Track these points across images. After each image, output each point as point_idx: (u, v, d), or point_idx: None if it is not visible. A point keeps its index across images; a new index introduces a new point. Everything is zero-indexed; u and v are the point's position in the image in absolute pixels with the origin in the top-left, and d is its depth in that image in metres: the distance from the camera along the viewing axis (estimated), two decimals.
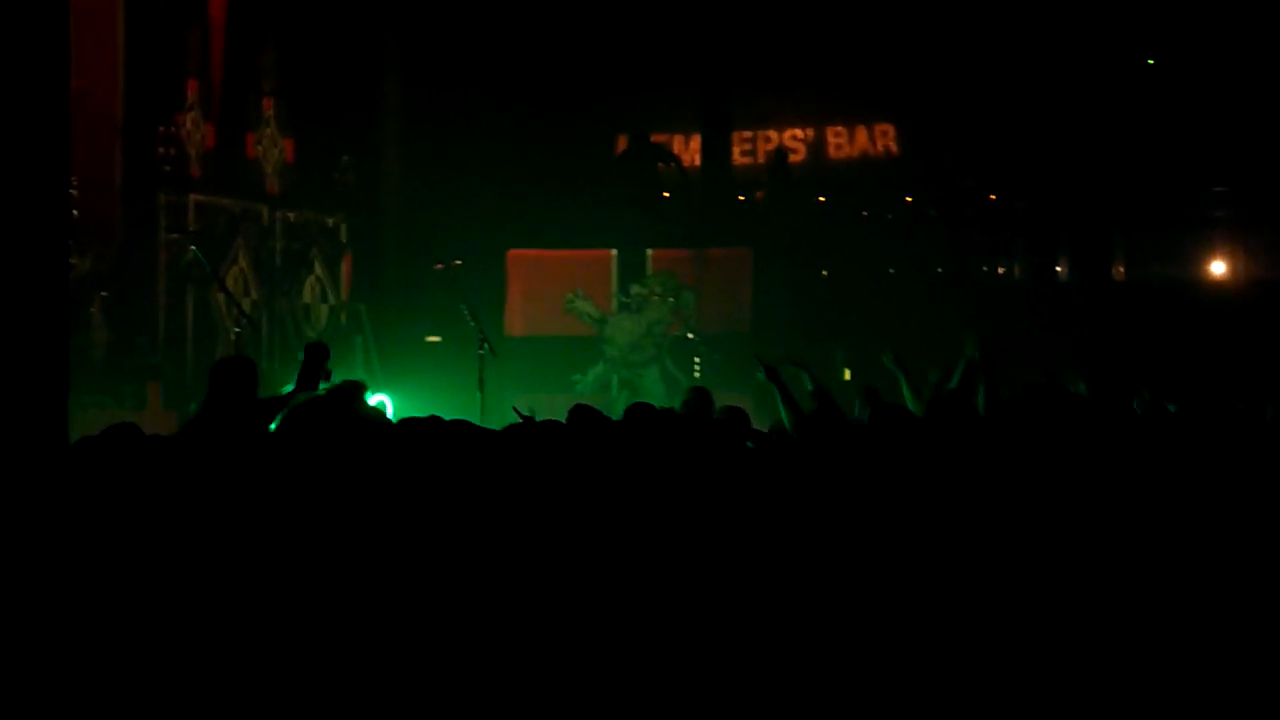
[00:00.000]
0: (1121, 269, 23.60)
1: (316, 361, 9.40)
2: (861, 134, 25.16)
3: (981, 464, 5.77)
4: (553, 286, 22.80)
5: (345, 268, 21.44)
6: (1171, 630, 4.99)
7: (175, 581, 4.51)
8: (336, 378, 13.06)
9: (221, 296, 17.56)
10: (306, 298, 20.62)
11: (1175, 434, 7.47)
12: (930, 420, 6.81)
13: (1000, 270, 24.09)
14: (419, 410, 6.78)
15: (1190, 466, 6.23)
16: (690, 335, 21.66)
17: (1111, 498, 5.45)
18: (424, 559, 3.99)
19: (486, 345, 16.25)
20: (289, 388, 9.60)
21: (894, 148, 24.97)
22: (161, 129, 18.24)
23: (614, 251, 22.93)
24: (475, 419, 10.13)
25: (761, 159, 25.40)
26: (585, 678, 4.21)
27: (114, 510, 4.99)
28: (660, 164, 24.83)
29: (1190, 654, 4.96)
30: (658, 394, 21.26)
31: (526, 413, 9.66)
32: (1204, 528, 5.50)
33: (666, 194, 24.61)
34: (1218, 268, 22.94)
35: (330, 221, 21.31)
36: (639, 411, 7.97)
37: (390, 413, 16.58)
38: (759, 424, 9.20)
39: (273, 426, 6.56)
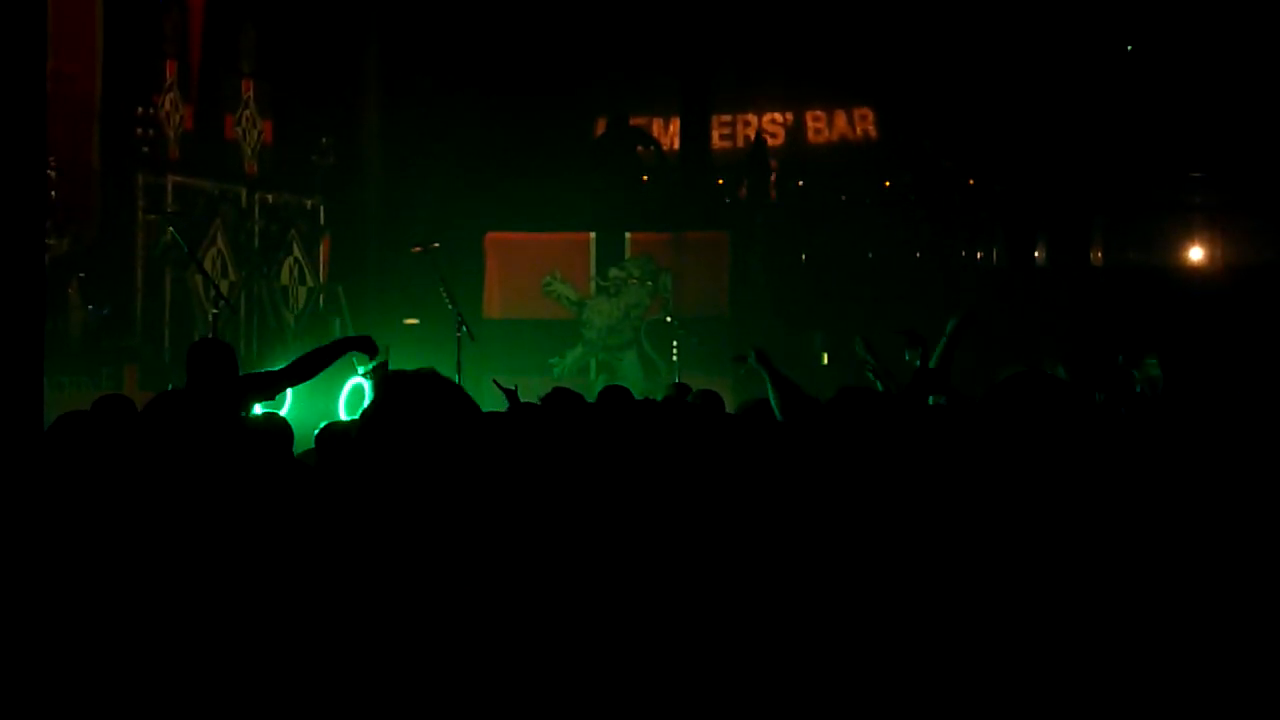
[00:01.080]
0: (1099, 254, 23.64)
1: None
2: (840, 118, 25.15)
3: (964, 451, 5.78)
4: (531, 269, 22.82)
5: (323, 249, 21.43)
6: (1150, 619, 5.00)
7: (161, 565, 4.50)
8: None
9: (199, 278, 17.53)
10: (285, 279, 20.61)
11: (1161, 421, 7.50)
12: (906, 401, 6.83)
13: (978, 255, 24.12)
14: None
15: (1176, 454, 6.25)
16: (669, 319, 21.69)
17: (1098, 485, 5.46)
18: (400, 548, 3.98)
19: (464, 328, 16.26)
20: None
21: (873, 132, 24.96)
22: (140, 110, 18.19)
23: (592, 235, 22.95)
24: None
25: (741, 143, 25.39)
26: (569, 667, 4.21)
27: (100, 488, 4.99)
28: (639, 147, 24.82)
29: (1180, 644, 4.98)
30: (635, 377, 21.31)
31: (510, 386, 9.74)
32: (1188, 518, 5.52)
33: (645, 177, 24.61)
34: (1195, 253, 22.98)
35: (309, 203, 21.29)
36: (613, 395, 7.99)
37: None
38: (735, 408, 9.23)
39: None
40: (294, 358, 9.38)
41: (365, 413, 4.19)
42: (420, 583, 3.91)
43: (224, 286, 17.62)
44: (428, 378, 4.22)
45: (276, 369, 9.50)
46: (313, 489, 4.79)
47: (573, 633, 4.26)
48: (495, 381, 10.15)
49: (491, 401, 11.64)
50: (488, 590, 4.00)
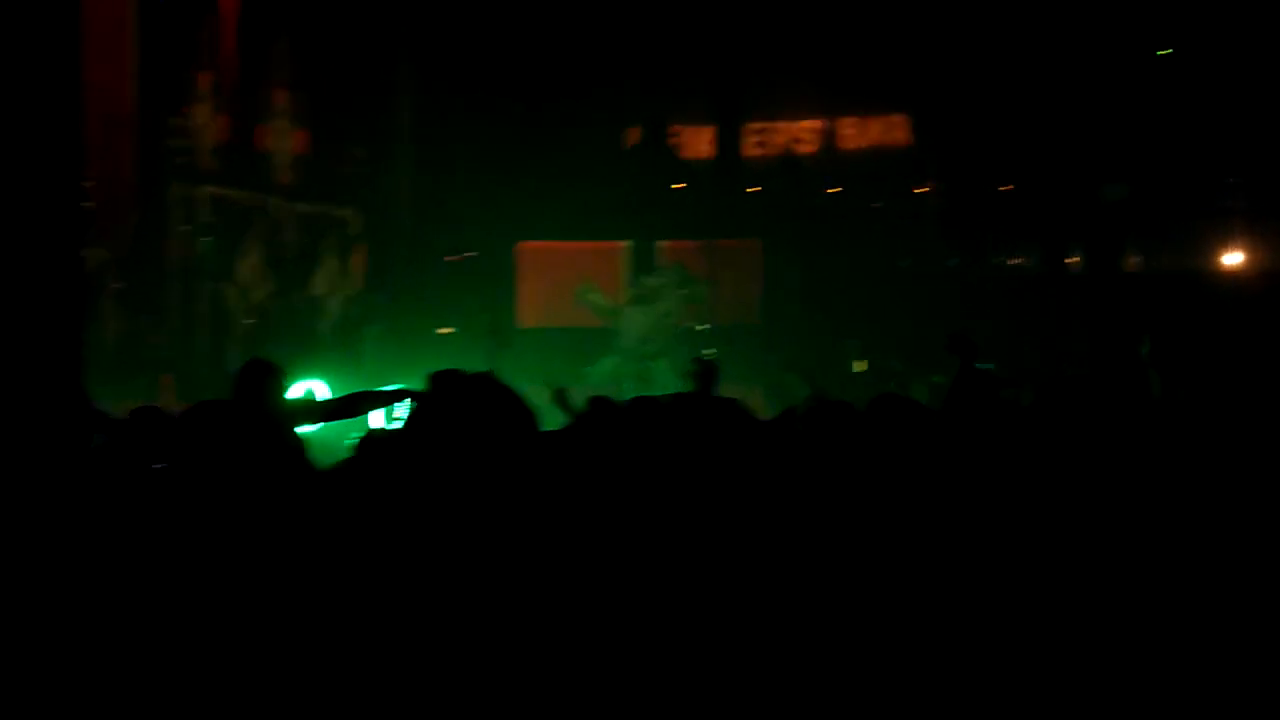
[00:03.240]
0: (1134, 260, 23.58)
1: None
2: (874, 125, 25.12)
3: (1008, 458, 5.77)
4: (564, 278, 22.83)
5: (357, 259, 21.47)
6: (1199, 627, 5.00)
7: (201, 569, 4.51)
8: (346, 367, 13.03)
9: (233, 289, 17.60)
10: (318, 289, 20.65)
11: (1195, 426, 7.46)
12: (946, 414, 6.81)
13: (1013, 262, 24.07)
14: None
15: (1204, 459, 6.22)
16: (700, 327, 21.67)
17: (1143, 490, 5.45)
18: (440, 546, 3.99)
19: (498, 337, 16.29)
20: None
21: (907, 139, 24.93)
22: (174, 121, 18.26)
23: (625, 243, 22.96)
24: None
25: (773, 151, 25.38)
26: (611, 676, 4.22)
27: (141, 495, 5.01)
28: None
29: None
30: (670, 385, 21.29)
31: (558, 388, 9.93)
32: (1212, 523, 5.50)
33: (678, 185, 24.62)
34: (1231, 258, 22.90)
35: (342, 213, 21.34)
36: (640, 405, 7.98)
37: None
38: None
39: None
40: (327, 366, 9.45)
41: (414, 411, 4.19)
42: (458, 584, 3.91)
43: (257, 296, 17.66)
44: (483, 380, 4.22)
45: (327, 399, 9.58)
46: (353, 491, 4.80)
47: (614, 639, 4.26)
48: (548, 384, 10.40)
49: None
50: (528, 593, 4.00)
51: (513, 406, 4.12)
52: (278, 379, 8.20)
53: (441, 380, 4.26)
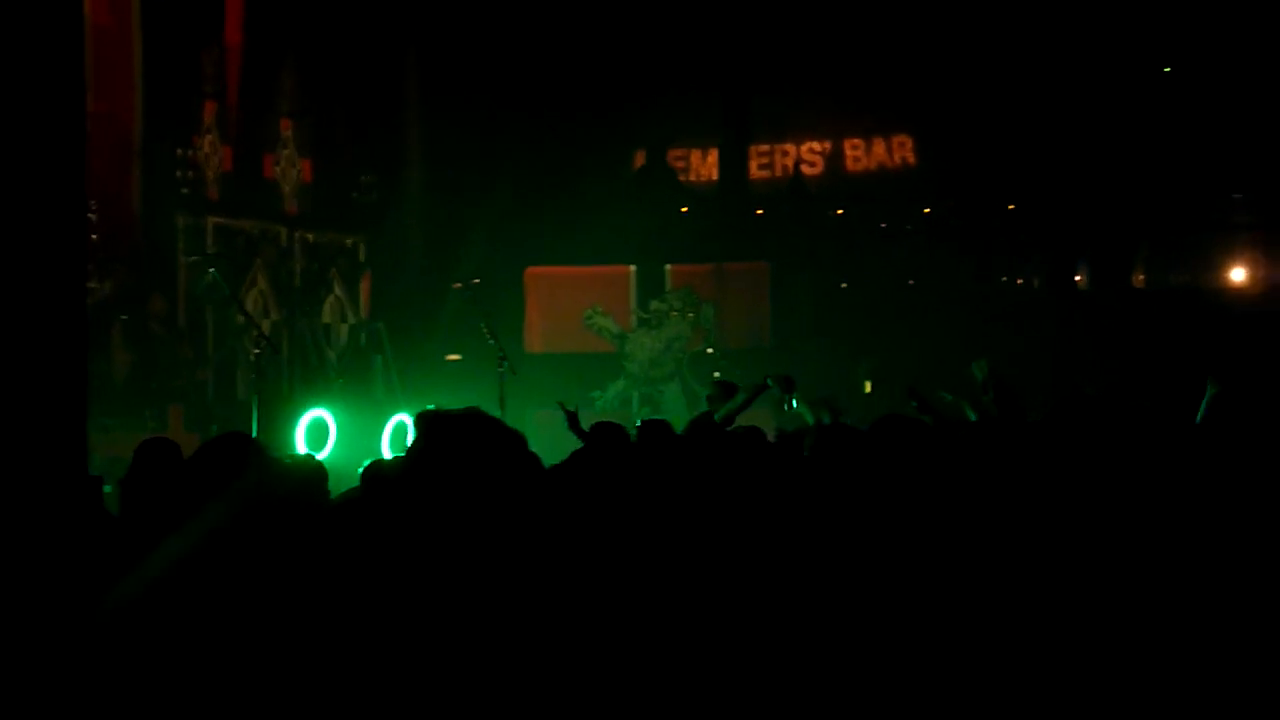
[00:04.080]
0: (1141, 276, 23.55)
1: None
2: (879, 146, 25.12)
3: (1028, 475, 5.75)
4: (572, 303, 22.84)
5: (364, 287, 21.46)
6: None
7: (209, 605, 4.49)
8: (355, 396, 13.03)
9: (241, 318, 17.57)
10: (326, 318, 20.64)
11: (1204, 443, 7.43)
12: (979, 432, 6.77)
13: (1020, 280, 24.06)
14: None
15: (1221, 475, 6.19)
16: (710, 350, 21.66)
17: (1157, 505, 5.42)
18: (442, 586, 3.97)
19: (506, 363, 16.24)
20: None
21: (912, 159, 24.93)
22: (179, 152, 18.25)
23: (632, 267, 22.96)
24: None
25: (779, 173, 25.38)
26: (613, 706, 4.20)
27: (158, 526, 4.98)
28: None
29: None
30: (678, 409, 21.26)
31: (571, 408, 10.00)
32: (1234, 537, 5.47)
33: (684, 209, 24.63)
34: (1238, 274, 22.87)
35: (349, 241, 21.33)
36: (653, 429, 7.98)
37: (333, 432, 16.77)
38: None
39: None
40: (335, 397, 9.42)
41: (408, 452, 4.17)
42: (460, 621, 3.89)
43: (266, 326, 17.63)
44: (471, 417, 4.19)
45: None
46: (355, 527, 4.78)
47: (613, 673, 4.24)
48: (561, 404, 10.45)
49: (534, 435, 11.54)
50: (528, 628, 3.98)
51: (501, 440, 4.09)
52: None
53: (428, 421, 4.23)
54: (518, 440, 4.25)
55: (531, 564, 4.03)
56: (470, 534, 3.97)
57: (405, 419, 16.94)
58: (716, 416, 10.57)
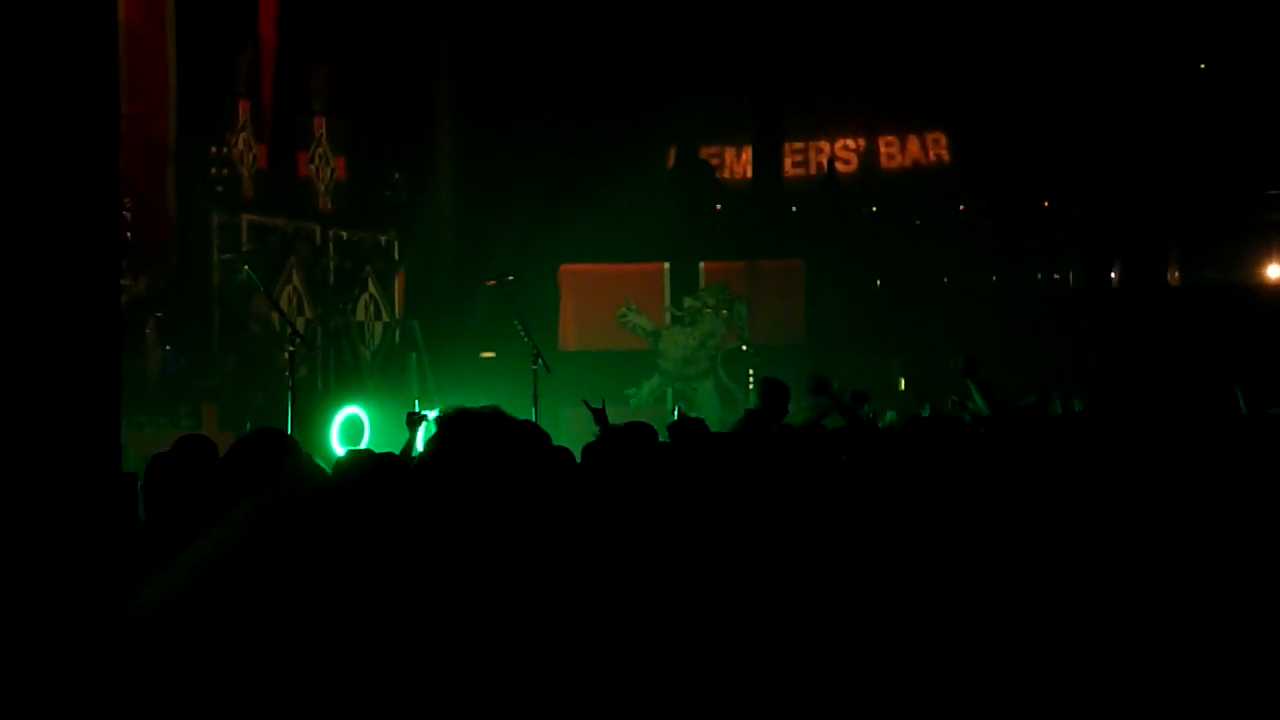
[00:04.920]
0: (1176, 273, 23.48)
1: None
2: (913, 143, 25.10)
3: (1061, 471, 5.71)
4: (605, 300, 22.82)
5: (398, 285, 21.49)
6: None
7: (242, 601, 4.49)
8: (390, 393, 13.00)
9: (275, 316, 17.59)
10: (360, 315, 20.66)
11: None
12: (1003, 430, 6.74)
13: (1054, 277, 24.00)
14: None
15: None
16: (744, 347, 21.64)
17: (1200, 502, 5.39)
18: (456, 586, 3.96)
19: (540, 360, 16.22)
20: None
21: (946, 156, 24.89)
22: (213, 150, 18.29)
23: (666, 264, 22.93)
24: None
25: (813, 170, 25.36)
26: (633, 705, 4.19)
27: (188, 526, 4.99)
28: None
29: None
30: (712, 407, 21.24)
31: (597, 405, 10.00)
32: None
33: (719, 206, 24.62)
34: (1273, 271, 22.78)
35: (383, 239, 21.36)
36: (685, 427, 7.96)
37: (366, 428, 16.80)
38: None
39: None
40: (370, 394, 9.44)
41: (426, 449, 4.17)
42: (465, 620, 3.89)
43: (300, 324, 17.66)
44: (491, 417, 4.17)
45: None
46: (375, 524, 4.78)
47: (631, 674, 4.23)
48: (585, 401, 10.43)
49: (567, 433, 11.68)
50: (536, 626, 3.97)
51: (524, 439, 4.08)
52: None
53: (451, 421, 4.21)
54: (540, 437, 4.24)
55: (548, 562, 4.02)
56: (486, 531, 3.96)
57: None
58: (797, 420, 10.51)
